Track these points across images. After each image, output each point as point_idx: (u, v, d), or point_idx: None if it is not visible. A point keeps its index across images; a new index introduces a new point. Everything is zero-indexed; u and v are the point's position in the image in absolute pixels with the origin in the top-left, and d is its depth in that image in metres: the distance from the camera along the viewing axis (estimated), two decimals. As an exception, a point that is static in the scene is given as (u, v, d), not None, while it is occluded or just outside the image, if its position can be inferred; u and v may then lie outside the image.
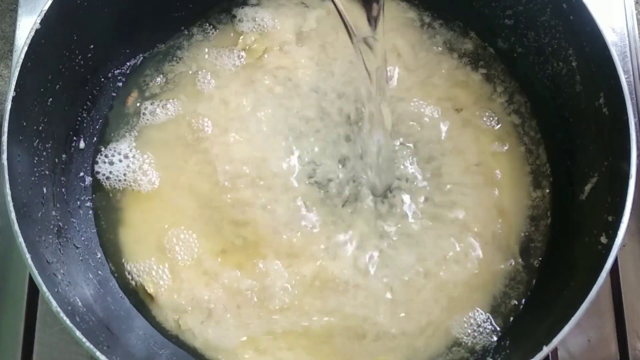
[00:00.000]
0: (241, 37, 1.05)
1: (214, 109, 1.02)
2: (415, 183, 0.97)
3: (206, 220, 0.96)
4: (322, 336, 0.91)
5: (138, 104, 1.03)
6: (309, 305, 0.92)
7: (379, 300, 0.92)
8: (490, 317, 0.93)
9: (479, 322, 0.92)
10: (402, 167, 0.98)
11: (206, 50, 1.06)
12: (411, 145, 0.99)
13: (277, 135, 1.00)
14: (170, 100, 1.03)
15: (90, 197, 0.99)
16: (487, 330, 0.92)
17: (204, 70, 1.04)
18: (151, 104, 1.03)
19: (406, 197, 0.97)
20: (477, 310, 0.93)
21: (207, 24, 1.07)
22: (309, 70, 1.03)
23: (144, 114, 1.02)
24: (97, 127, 1.02)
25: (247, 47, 1.04)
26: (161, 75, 1.05)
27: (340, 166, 0.99)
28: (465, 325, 0.92)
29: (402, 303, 0.92)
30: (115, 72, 1.04)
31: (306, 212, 0.96)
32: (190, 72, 1.04)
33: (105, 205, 0.99)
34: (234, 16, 1.07)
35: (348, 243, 0.95)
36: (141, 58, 1.05)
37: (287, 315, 0.92)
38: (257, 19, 1.06)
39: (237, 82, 1.03)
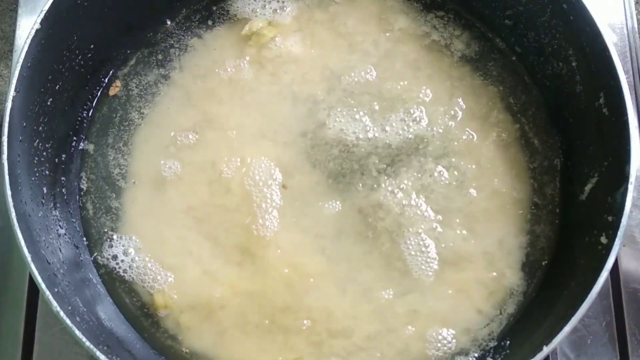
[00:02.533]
0: (248, 24, 1.05)
1: (214, 108, 1.02)
2: (413, 184, 0.97)
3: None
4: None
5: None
6: None
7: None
8: (490, 318, 0.93)
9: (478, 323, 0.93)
10: (403, 168, 0.98)
11: (208, 48, 1.05)
12: (411, 142, 1.00)
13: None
14: (169, 99, 1.03)
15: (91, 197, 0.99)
16: (487, 330, 0.92)
17: (205, 71, 1.04)
18: (151, 102, 1.03)
19: (408, 199, 0.97)
20: (477, 311, 0.93)
21: (210, 20, 1.07)
22: (309, 70, 1.04)
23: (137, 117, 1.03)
24: (98, 127, 1.02)
25: (252, 34, 1.04)
26: (161, 74, 1.04)
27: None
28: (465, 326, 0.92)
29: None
30: (116, 72, 1.04)
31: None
32: (191, 72, 1.04)
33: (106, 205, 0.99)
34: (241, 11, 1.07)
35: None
36: (141, 58, 1.05)
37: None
38: (266, 9, 1.06)
39: (240, 82, 1.03)
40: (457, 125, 1.00)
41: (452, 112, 1.01)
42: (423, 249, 0.94)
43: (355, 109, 1.01)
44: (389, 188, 0.97)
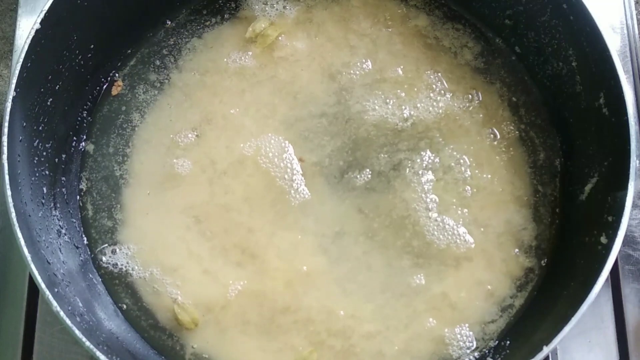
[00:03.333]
0: (250, 26, 1.05)
1: (211, 111, 1.02)
2: (414, 186, 0.97)
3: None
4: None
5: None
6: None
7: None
8: (489, 318, 0.93)
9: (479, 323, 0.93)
10: (408, 169, 0.98)
11: (208, 47, 1.05)
12: (413, 142, 1.00)
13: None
14: (170, 99, 1.03)
15: (91, 197, 0.99)
16: (487, 330, 0.92)
17: (205, 71, 1.04)
18: (151, 102, 1.03)
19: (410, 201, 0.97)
20: (478, 311, 0.93)
21: (210, 20, 1.07)
22: (311, 71, 1.04)
23: (138, 117, 1.02)
24: (98, 127, 1.02)
25: (256, 35, 1.04)
26: (161, 74, 1.04)
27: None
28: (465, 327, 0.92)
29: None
30: (116, 72, 1.04)
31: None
32: (191, 71, 1.04)
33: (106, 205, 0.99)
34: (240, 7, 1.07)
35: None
36: (141, 58, 1.05)
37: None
38: (268, 7, 1.06)
39: (241, 84, 1.03)
40: (457, 125, 1.00)
41: (450, 111, 1.01)
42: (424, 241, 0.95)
43: (382, 96, 1.01)
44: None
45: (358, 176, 0.98)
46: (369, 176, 0.98)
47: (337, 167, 0.99)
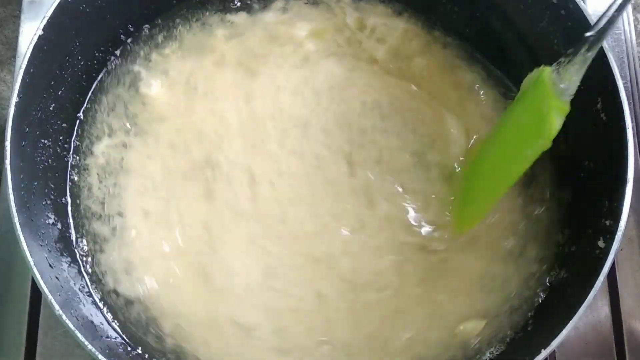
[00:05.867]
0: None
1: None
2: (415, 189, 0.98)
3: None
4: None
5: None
6: None
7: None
8: (489, 319, 0.93)
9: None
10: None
11: (208, 51, 1.05)
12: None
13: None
14: (170, 100, 1.03)
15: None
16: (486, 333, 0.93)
17: (206, 74, 1.04)
18: (151, 104, 1.03)
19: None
20: (477, 312, 0.93)
21: (211, 21, 1.07)
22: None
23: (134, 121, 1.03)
24: (99, 130, 1.03)
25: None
26: (162, 78, 1.05)
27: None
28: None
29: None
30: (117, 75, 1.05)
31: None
32: (192, 73, 1.05)
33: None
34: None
35: None
36: (143, 63, 1.06)
37: None
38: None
39: (243, 81, 1.04)
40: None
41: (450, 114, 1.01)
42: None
43: None
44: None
45: None
46: None
47: None
